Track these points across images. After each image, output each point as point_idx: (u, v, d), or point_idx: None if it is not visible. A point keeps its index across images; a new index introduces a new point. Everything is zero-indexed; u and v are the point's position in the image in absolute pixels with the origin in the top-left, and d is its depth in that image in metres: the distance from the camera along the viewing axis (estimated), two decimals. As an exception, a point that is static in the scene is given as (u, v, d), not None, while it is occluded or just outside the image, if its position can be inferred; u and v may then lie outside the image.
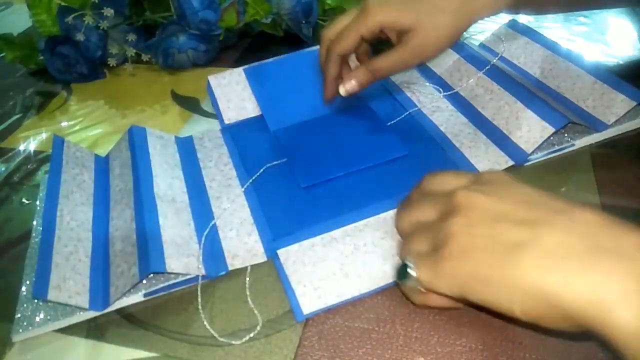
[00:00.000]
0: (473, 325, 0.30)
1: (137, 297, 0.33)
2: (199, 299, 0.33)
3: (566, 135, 0.41)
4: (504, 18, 0.54)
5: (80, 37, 0.55)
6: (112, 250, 0.35)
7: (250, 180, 0.40)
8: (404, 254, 0.29)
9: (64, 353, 0.31)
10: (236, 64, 0.57)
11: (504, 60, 0.49)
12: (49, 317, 0.32)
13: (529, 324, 0.25)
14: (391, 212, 0.36)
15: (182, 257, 0.33)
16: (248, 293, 0.33)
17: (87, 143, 0.49)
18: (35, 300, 0.33)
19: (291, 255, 0.35)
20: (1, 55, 0.63)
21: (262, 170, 0.41)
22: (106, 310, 0.32)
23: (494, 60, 0.46)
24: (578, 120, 0.40)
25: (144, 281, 0.33)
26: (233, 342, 0.31)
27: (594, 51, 0.53)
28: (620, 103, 0.40)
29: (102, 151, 0.44)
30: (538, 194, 0.27)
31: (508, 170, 0.39)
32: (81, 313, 0.32)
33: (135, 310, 0.33)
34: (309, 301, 0.32)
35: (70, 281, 0.32)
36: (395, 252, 0.34)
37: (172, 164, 0.41)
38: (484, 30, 0.58)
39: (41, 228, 0.34)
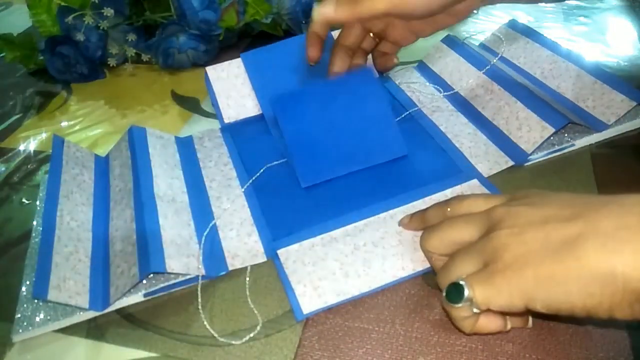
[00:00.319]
0: (473, 325, 0.30)
1: (137, 297, 0.33)
2: (199, 299, 0.33)
3: (566, 135, 0.41)
4: (504, 18, 0.54)
5: (80, 37, 0.55)
6: (112, 250, 0.35)
7: (251, 181, 0.40)
8: (451, 277, 0.27)
9: (64, 353, 0.31)
10: (236, 64, 0.57)
11: (504, 60, 0.49)
12: (49, 317, 0.32)
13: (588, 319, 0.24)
14: (391, 212, 0.36)
15: (182, 257, 0.33)
16: (248, 293, 0.33)
17: (87, 143, 0.49)
18: (35, 300, 0.33)
19: (291, 255, 0.35)
20: (1, 55, 0.63)
21: (262, 170, 0.41)
22: (106, 310, 0.32)
23: (494, 60, 0.46)
24: (578, 120, 0.40)
25: (144, 281, 0.33)
26: (233, 342, 0.31)
27: (594, 51, 0.53)
28: (620, 103, 0.40)
29: (102, 151, 0.44)
30: (577, 195, 0.26)
31: (508, 170, 0.39)
32: (81, 313, 0.32)
33: (135, 310, 0.33)
34: (309, 301, 0.32)
35: (70, 281, 0.32)
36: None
37: (172, 164, 0.41)
38: (484, 30, 0.58)
39: (41, 228, 0.34)
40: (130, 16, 0.58)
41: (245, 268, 0.35)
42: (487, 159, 0.40)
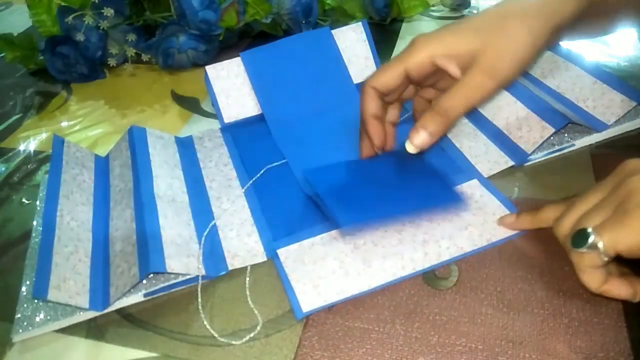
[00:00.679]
0: (473, 325, 0.30)
1: (137, 297, 0.33)
2: (199, 299, 0.33)
3: (566, 135, 0.41)
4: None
5: (80, 37, 0.55)
6: (112, 250, 0.35)
7: (251, 182, 0.40)
8: (578, 225, 0.28)
9: (64, 353, 0.31)
10: (236, 64, 0.57)
11: (504, 60, 0.49)
12: (49, 317, 0.32)
13: None
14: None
15: (182, 257, 0.33)
16: (248, 293, 0.33)
17: (87, 143, 0.49)
18: (35, 300, 0.33)
19: (291, 254, 0.34)
20: (1, 55, 0.63)
21: (262, 171, 0.41)
22: (106, 310, 0.32)
23: (494, 60, 0.46)
24: (578, 120, 0.40)
25: (144, 281, 0.33)
26: (233, 342, 0.31)
27: (594, 51, 0.53)
28: (620, 103, 0.40)
29: (102, 151, 0.44)
30: None
31: (508, 170, 0.39)
32: (81, 313, 0.32)
33: (135, 310, 0.33)
34: (309, 299, 0.32)
35: (71, 281, 0.32)
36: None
37: (172, 164, 0.41)
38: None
39: (41, 228, 0.34)
40: (130, 16, 0.58)
41: (245, 268, 0.35)
42: (487, 159, 0.40)
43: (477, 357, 0.28)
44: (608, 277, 0.28)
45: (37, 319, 0.32)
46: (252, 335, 0.31)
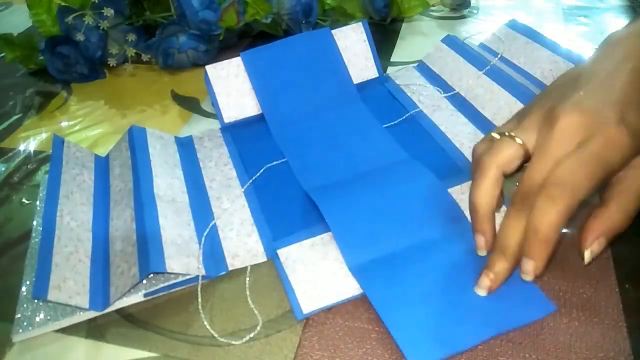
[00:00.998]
0: (473, 325, 0.30)
1: (137, 297, 0.33)
2: (199, 299, 0.33)
3: (566, 135, 0.41)
4: (504, 18, 0.54)
5: (80, 37, 0.55)
6: (112, 250, 0.35)
7: (251, 181, 0.40)
8: None
9: (64, 353, 0.31)
10: (236, 64, 0.57)
11: (504, 60, 0.49)
12: (49, 317, 0.32)
13: None
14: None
15: (182, 257, 0.33)
16: (248, 293, 0.33)
17: (87, 143, 0.49)
18: (35, 301, 0.33)
19: (291, 254, 0.34)
20: (1, 55, 0.63)
21: (262, 170, 0.41)
22: (106, 310, 0.32)
23: (494, 60, 0.46)
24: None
25: (144, 281, 0.33)
26: (233, 342, 0.31)
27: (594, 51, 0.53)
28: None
29: (102, 151, 0.44)
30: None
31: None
32: (81, 313, 0.32)
33: (135, 310, 0.33)
34: (309, 300, 0.32)
35: (70, 281, 0.32)
36: None
37: (172, 164, 0.41)
38: (484, 31, 0.58)
39: (41, 228, 0.34)
40: (130, 16, 0.58)
41: (245, 268, 0.35)
42: (487, 159, 0.40)
43: (477, 357, 0.28)
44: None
45: (37, 319, 0.32)
46: (252, 335, 0.31)
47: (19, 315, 0.32)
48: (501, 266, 0.29)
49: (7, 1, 0.83)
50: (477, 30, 0.59)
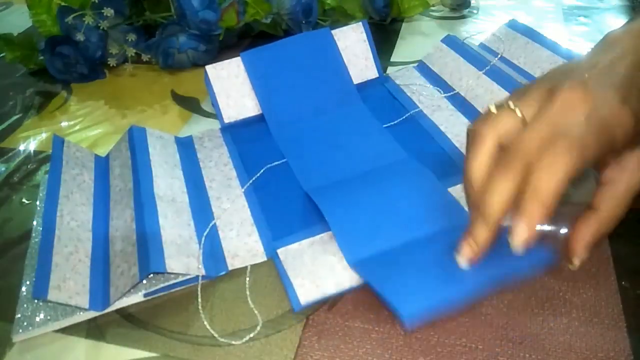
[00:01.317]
0: (473, 325, 0.30)
1: (137, 297, 0.33)
2: (199, 299, 0.33)
3: (566, 135, 0.41)
4: (504, 18, 0.54)
5: (80, 37, 0.55)
6: (112, 250, 0.35)
7: (251, 181, 0.40)
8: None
9: (64, 353, 0.31)
10: (236, 64, 0.57)
11: (504, 60, 0.49)
12: (49, 317, 0.32)
13: None
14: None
15: (182, 257, 0.33)
16: (248, 293, 0.33)
17: (87, 143, 0.49)
18: (35, 300, 0.33)
19: (290, 253, 0.34)
20: (1, 55, 0.63)
21: (262, 171, 0.41)
22: (106, 310, 0.32)
23: (494, 60, 0.46)
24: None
25: (144, 281, 0.33)
26: (233, 342, 0.31)
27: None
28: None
29: (102, 151, 0.44)
30: None
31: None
32: (81, 313, 0.32)
33: (135, 310, 0.33)
34: (307, 291, 0.32)
35: (71, 281, 0.32)
36: None
37: (172, 164, 0.41)
38: (484, 31, 0.58)
39: (41, 228, 0.34)
40: (130, 16, 0.58)
41: (245, 268, 0.35)
42: (487, 159, 0.40)
43: (477, 357, 0.28)
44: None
45: (37, 319, 0.32)
46: (252, 335, 0.31)
47: (19, 315, 0.32)
48: (483, 234, 0.27)
49: (7, 1, 0.83)
50: (477, 30, 0.59)
